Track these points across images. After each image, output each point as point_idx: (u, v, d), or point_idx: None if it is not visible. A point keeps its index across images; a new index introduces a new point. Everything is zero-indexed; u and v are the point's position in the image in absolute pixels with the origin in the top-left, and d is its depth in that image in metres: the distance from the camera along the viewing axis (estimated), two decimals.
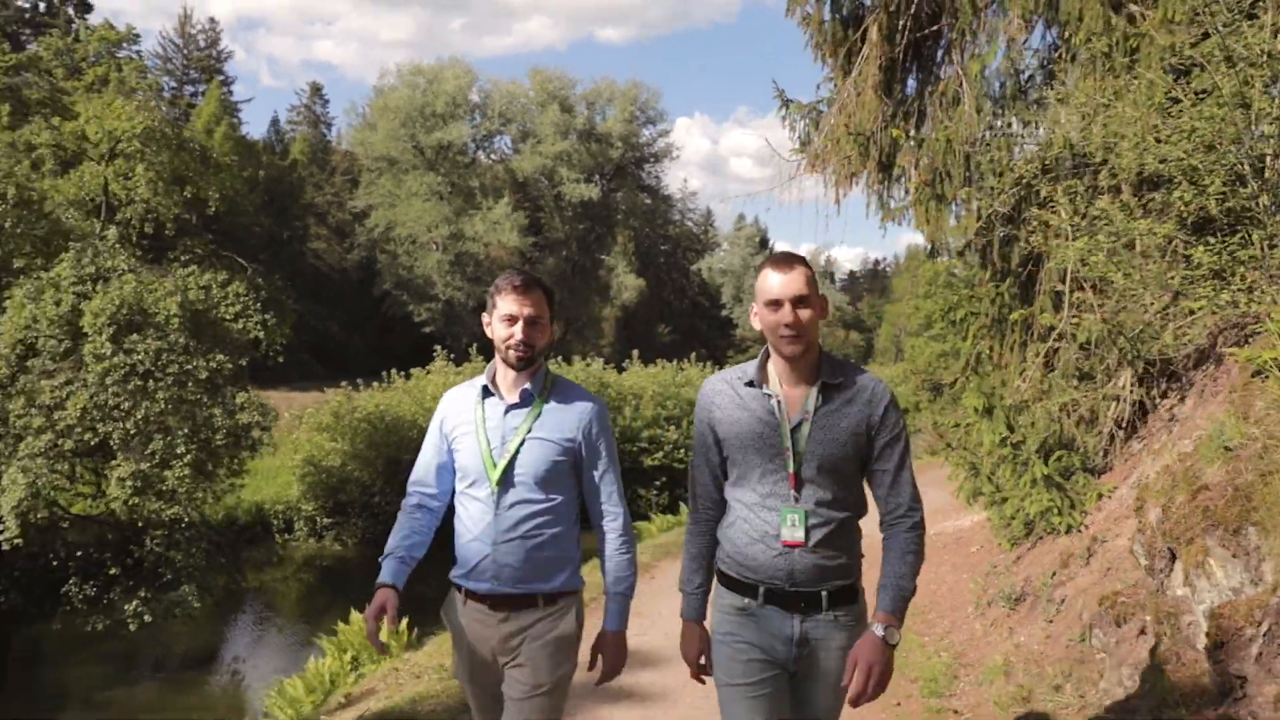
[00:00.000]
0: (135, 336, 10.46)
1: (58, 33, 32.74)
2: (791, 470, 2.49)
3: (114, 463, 10.29)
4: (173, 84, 51.23)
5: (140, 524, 10.89)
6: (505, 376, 2.81)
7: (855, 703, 2.41)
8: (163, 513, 10.24)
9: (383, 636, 2.84)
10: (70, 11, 47.51)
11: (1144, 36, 6.22)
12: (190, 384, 10.65)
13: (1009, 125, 6.98)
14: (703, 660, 2.68)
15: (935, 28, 8.50)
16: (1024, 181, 6.14)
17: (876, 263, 75.26)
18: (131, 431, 10.12)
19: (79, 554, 11.27)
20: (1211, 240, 5.46)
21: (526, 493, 2.73)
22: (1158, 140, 5.61)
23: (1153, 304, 6.06)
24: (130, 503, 10.11)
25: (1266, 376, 4.32)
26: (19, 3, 46.29)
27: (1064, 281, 6.41)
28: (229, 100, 49.31)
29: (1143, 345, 6.43)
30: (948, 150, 6.95)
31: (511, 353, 2.73)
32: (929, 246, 8.89)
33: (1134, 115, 5.86)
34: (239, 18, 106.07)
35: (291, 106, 67.15)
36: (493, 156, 49.37)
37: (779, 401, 2.53)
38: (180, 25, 53.85)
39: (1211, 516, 3.59)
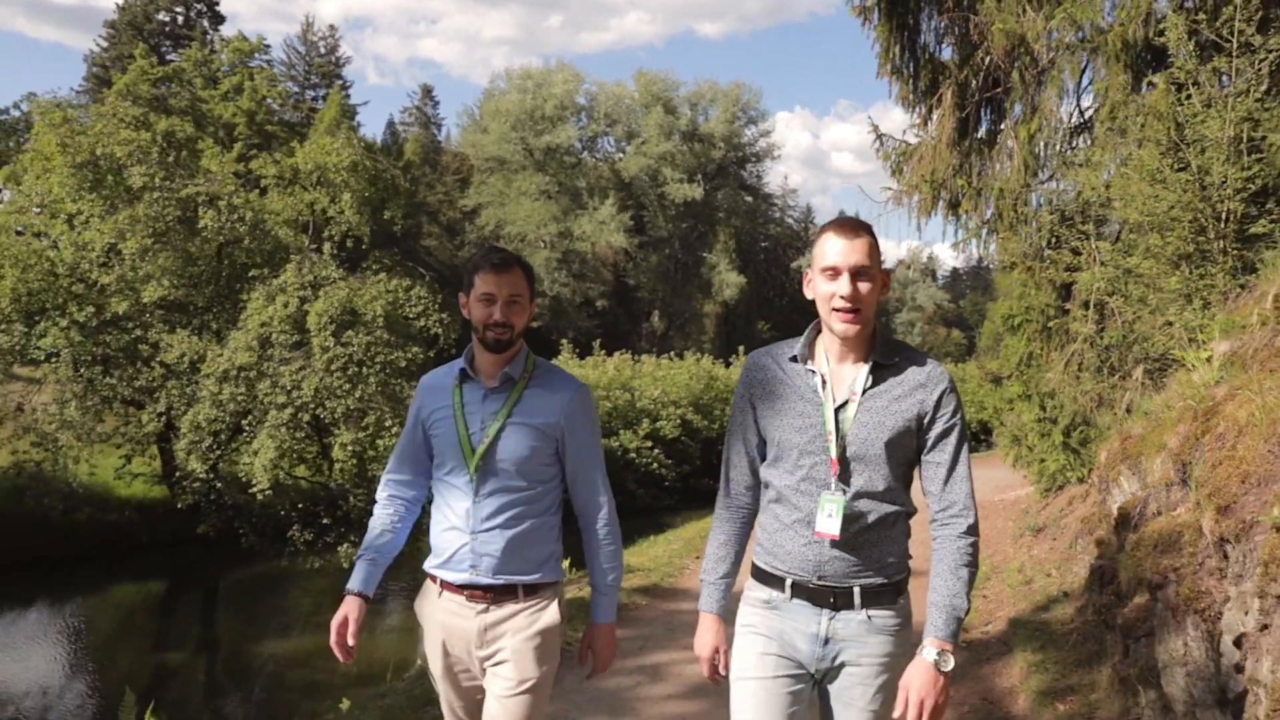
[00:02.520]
0: (350, 333, 13.62)
1: (196, 45, 37.02)
2: (834, 455, 2.39)
3: (337, 432, 13.47)
4: (295, 88, 55.84)
5: (349, 484, 14.06)
6: (484, 360, 2.79)
7: None
8: (375, 473, 13.39)
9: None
10: (205, 24, 52.48)
11: (1147, 116, 8.59)
12: (392, 371, 13.77)
13: (1046, 180, 9.41)
14: (719, 659, 2.58)
15: (1001, 89, 10.94)
16: (1048, 227, 8.60)
17: (980, 259, 75.90)
18: (351, 408, 13.27)
19: (300, 506, 14.54)
20: (1180, 273, 7.84)
21: (506, 480, 2.73)
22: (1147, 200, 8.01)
23: (1152, 317, 8.46)
24: (351, 464, 13.28)
25: (1192, 369, 6.73)
26: (160, 17, 51.36)
27: (1084, 301, 8.84)
28: (348, 105, 53.68)
29: (1149, 347, 8.81)
30: (1000, 198, 9.44)
31: (489, 334, 2.71)
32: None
33: (1135, 179, 8.27)
34: (346, 18, 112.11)
35: (404, 108, 71.48)
36: (598, 157, 52.53)
37: (824, 379, 2.44)
38: (302, 33, 58.49)
39: (1126, 453, 6.08)
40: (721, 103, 49.71)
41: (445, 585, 2.78)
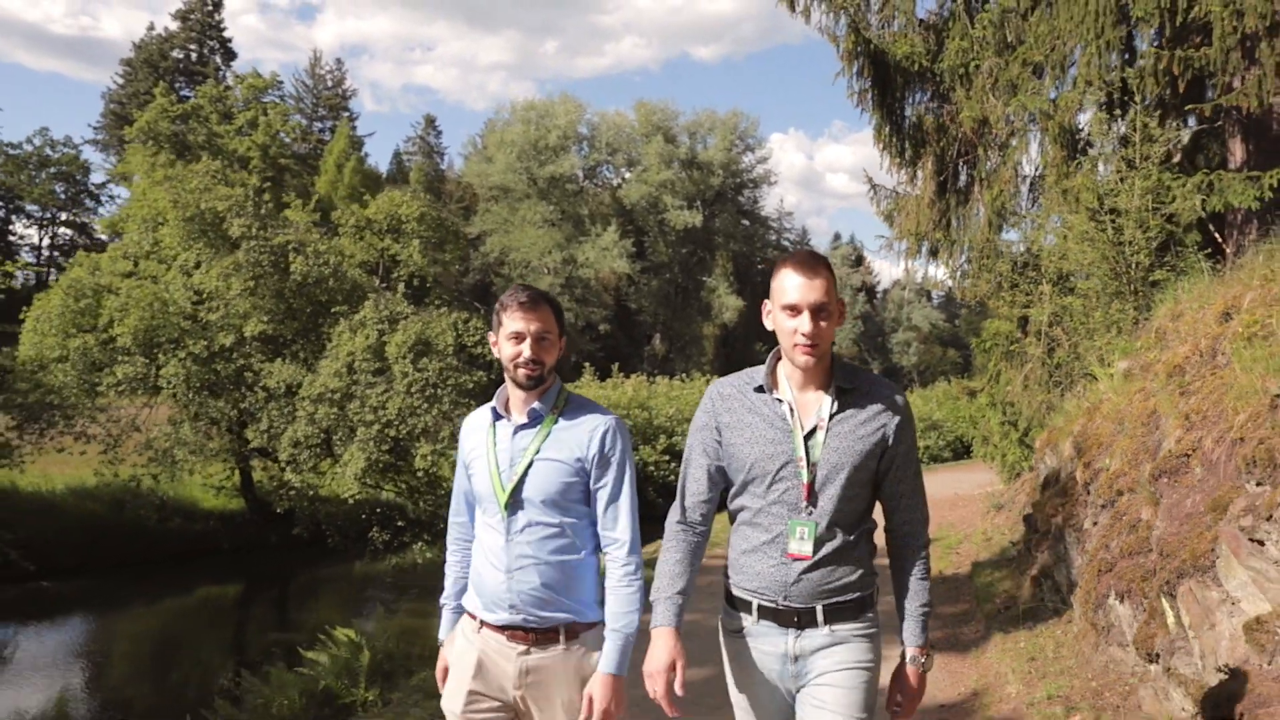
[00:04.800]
0: (425, 360, 16.43)
1: (211, 81, 39.85)
2: (806, 480, 2.53)
3: (417, 445, 16.25)
4: (304, 121, 58.89)
5: (421, 489, 16.85)
6: (515, 397, 2.86)
7: None
8: (447, 481, 16.22)
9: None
10: (218, 60, 55.57)
11: (1078, 190, 11.49)
12: (461, 392, 16.57)
13: (1006, 234, 12.32)
14: (675, 679, 2.53)
15: (971, 156, 13.87)
16: (1004, 274, 11.49)
17: (955, 296, 79.00)
18: (429, 424, 16.07)
19: (377, 511, 17.31)
20: (1112, 309, 10.70)
21: (538, 515, 2.77)
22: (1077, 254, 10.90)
23: (1089, 342, 11.33)
24: (430, 470, 16.07)
25: (1099, 382, 9.57)
26: (175, 54, 54.38)
27: (1036, 331, 11.72)
28: (355, 136, 56.65)
29: (1085, 365, 11.68)
30: (970, 248, 12.34)
31: (520, 371, 2.78)
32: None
33: (1070, 237, 11.16)
34: (343, 45, 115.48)
35: (407, 138, 74.79)
36: (599, 185, 55.60)
37: (791, 407, 2.58)
38: (310, 67, 61.82)
39: (1051, 441, 8.91)
40: (719, 131, 52.89)
41: (485, 624, 2.83)
